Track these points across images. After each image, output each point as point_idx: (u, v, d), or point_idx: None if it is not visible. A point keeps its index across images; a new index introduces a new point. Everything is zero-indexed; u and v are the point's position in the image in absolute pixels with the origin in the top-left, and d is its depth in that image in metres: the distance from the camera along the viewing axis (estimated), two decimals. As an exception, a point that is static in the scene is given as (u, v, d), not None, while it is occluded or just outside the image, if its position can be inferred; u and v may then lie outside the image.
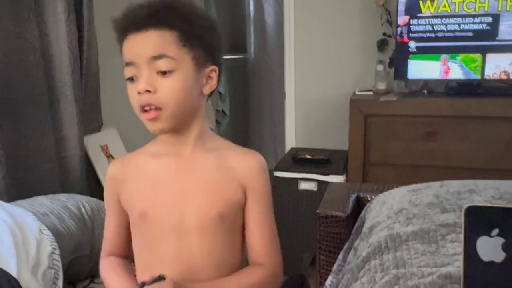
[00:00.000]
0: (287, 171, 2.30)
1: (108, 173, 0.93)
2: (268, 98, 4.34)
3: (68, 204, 1.57)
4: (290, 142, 2.78)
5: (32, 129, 1.91)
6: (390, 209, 1.03)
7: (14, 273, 1.14)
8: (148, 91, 0.78)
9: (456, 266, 0.71)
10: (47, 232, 1.34)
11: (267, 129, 4.41)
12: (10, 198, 1.67)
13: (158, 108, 0.79)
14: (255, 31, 4.28)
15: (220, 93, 2.85)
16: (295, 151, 2.58)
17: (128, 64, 0.80)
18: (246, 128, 4.37)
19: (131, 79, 0.81)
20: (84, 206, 1.60)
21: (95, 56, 2.22)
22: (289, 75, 2.71)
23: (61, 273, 1.29)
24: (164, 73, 0.79)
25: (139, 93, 0.79)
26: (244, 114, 4.33)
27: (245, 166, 0.89)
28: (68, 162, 2.11)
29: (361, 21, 2.51)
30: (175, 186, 0.86)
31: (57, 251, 1.31)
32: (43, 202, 1.56)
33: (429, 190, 1.06)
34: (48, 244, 1.30)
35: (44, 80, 1.95)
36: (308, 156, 2.42)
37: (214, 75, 0.86)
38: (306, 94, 2.70)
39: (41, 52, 1.94)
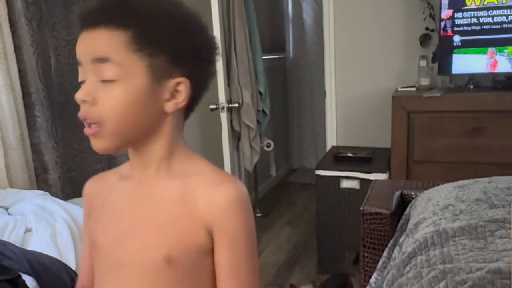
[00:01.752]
0: (329, 169, 2.30)
1: (84, 190, 0.81)
2: (308, 97, 4.34)
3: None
4: (331, 140, 2.77)
5: (83, 131, 2.02)
6: (436, 205, 1.02)
7: (73, 266, 1.22)
8: (84, 101, 0.64)
9: (506, 262, 0.70)
10: (101, 228, 1.41)
11: (308, 128, 4.41)
12: (65, 197, 1.77)
13: (97, 123, 0.64)
14: (294, 31, 4.30)
15: (260, 92, 2.88)
16: (336, 149, 2.57)
17: (79, 64, 0.66)
18: (286, 127, 4.39)
19: (82, 82, 0.66)
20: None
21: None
22: (329, 73, 2.70)
23: (114, 267, 1.36)
24: (104, 81, 0.64)
25: (79, 102, 0.65)
26: (284, 113, 4.35)
27: (213, 200, 0.68)
28: (118, 162, 2.21)
29: (402, 16, 2.47)
30: (127, 217, 0.72)
31: (110, 246, 1.38)
32: (96, 200, 1.65)
33: (476, 186, 1.04)
34: (102, 239, 1.37)
35: (94, 84, 2.06)
36: (349, 154, 2.41)
37: (184, 89, 0.68)
38: (346, 92, 2.69)
39: (91, 58, 2.05)
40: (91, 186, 0.80)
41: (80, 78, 0.66)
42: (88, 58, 0.64)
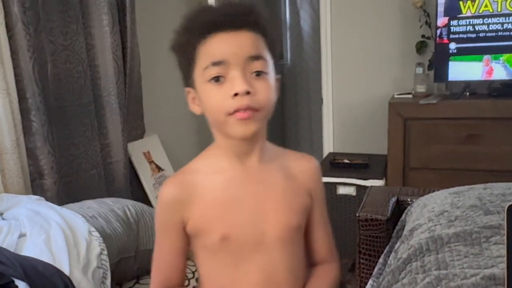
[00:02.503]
0: (325, 175, 2.29)
1: (164, 196, 0.82)
2: (305, 104, 4.35)
3: (114, 207, 1.65)
4: (328, 147, 2.78)
5: (79, 136, 2.01)
6: (431, 211, 1.02)
7: (66, 272, 1.21)
8: (248, 92, 0.72)
9: (501, 268, 0.70)
10: (96, 233, 1.41)
11: (305, 135, 4.41)
12: (60, 202, 1.76)
13: (255, 110, 0.73)
14: (292, 38, 4.31)
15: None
16: (333, 156, 2.57)
17: (217, 63, 0.72)
18: (283, 134, 4.39)
19: (216, 79, 0.73)
20: (129, 210, 1.66)
21: (137, 66, 2.31)
22: (326, 80, 2.71)
23: (109, 273, 1.35)
24: (258, 74, 0.74)
25: (235, 95, 0.72)
26: (281, 119, 4.36)
27: (308, 171, 0.88)
28: (113, 167, 2.20)
29: (399, 24, 2.49)
30: (250, 203, 0.80)
31: (105, 252, 1.37)
32: (91, 205, 1.64)
33: (471, 192, 1.04)
34: (97, 245, 1.36)
35: (90, 90, 2.06)
36: (346, 161, 2.41)
37: (277, 85, 0.82)
38: (343, 99, 2.69)
39: (88, 63, 2.05)
40: (172, 191, 0.81)
41: (217, 74, 0.73)
42: (243, 57, 0.73)
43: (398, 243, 1.04)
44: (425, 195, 1.20)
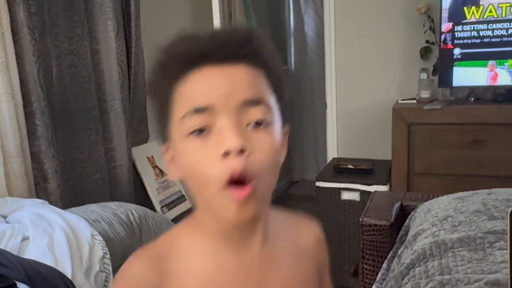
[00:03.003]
0: (329, 181, 2.29)
1: (129, 276, 0.58)
2: (309, 109, 4.35)
3: (117, 211, 1.65)
4: (332, 152, 2.77)
5: (84, 140, 2.02)
6: (435, 216, 1.01)
7: (69, 275, 1.21)
8: (243, 150, 0.50)
9: (505, 274, 0.69)
10: (99, 237, 1.41)
11: (309, 140, 4.41)
12: (64, 206, 1.77)
13: (252, 180, 0.50)
14: (296, 44, 4.33)
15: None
16: (337, 161, 2.56)
17: (199, 110, 0.51)
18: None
19: (198, 132, 0.52)
20: (132, 214, 1.66)
21: (142, 71, 2.32)
22: (330, 85, 2.71)
23: (111, 277, 1.35)
24: (258, 124, 0.52)
25: (225, 154, 0.49)
26: (285, 125, 4.34)
27: (315, 242, 0.70)
28: (117, 172, 2.21)
29: (403, 30, 2.49)
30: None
31: (108, 256, 1.37)
32: (95, 209, 1.64)
33: (475, 198, 1.03)
34: (100, 249, 1.36)
35: (95, 94, 2.07)
36: (350, 166, 2.40)
37: (287, 139, 0.60)
38: (347, 104, 2.69)
39: (93, 67, 2.06)
40: (145, 275, 0.56)
41: (200, 125, 0.51)
42: (236, 101, 0.51)
43: (401, 248, 1.03)
44: (429, 200, 1.20)
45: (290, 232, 0.66)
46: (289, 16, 4.31)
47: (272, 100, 0.55)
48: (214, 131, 0.51)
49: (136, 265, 0.57)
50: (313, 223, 0.71)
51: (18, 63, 1.70)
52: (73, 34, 1.95)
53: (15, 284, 1.07)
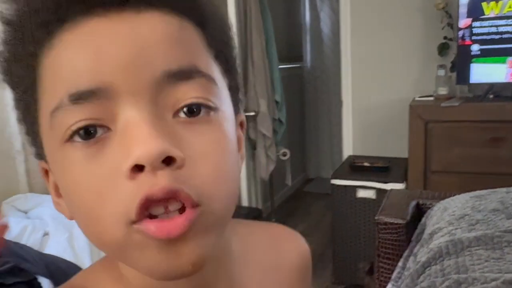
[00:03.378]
0: (345, 179, 2.29)
1: None
2: (325, 106, 4.34)
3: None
4: (348, 149, 2.76)
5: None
6: (452, 215, 1.01)
7: (88, 270, 1.24)
8: (170, 159, 0.29)
9: (523, 273, 0.69)
10: (116, 233, 1.44)
11: (324, 137, 4.40)
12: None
13: (193, 205, 0.30)
14: (311, 40, 4.31)
15: (276, 101, 2.89)
16: (352, 158, 2.55)
17: (82, 96, 0.30)
18: (302, 136, 4.39)
19: (84, 133, 0.30)
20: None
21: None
22: (346, 82, 2.70)
23: (129, 272, 1.38)
24: (193, 111, 0.32)
25: (135, 167, 0.29)
26: (301, 122, 4.35)
27: (301, 257, 0.51)
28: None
29: (420, 26, 2.46)
30: None
31: (125, 251, 1.40)
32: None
33: (493, 196, 1.02)
34: (117, 245, 1.39)
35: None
36: (366, 164, 2.39)
37: (241, 134, 0.41)
38: (363, 101, 2.68)
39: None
40: None
41: (91, 120, 0.30)
42: (151, 72, 0.30)
43: (417, 247, 1.03)
44: (445, 199, 1.19)
45: (266, 255, 0.48)
46: (305, 13, 4.30)
47: (215, 71, 0.34)
48: (115, 130, 0.30)
49: None
50: (296, 234, 0.52)
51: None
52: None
53: (36, 278, 1.10)
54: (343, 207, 2.30)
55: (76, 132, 0.30)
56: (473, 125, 1.98)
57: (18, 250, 1.20)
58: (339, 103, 2.81)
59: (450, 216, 1.01)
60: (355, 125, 2.72)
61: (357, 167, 2.38)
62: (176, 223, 0.29)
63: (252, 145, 2.77)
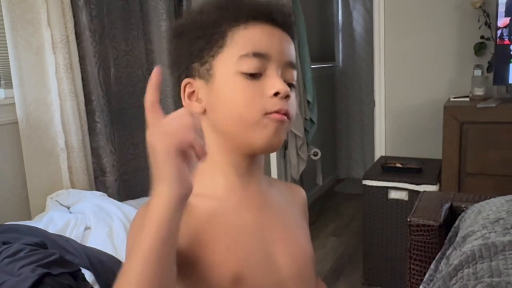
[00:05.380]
0: (376, 179, 2.28)
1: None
2: (357, 106, 4.30)
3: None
4: (380, 150, 2.74)
5: (138, 136, 2.13)
6: (486, 218, 1.00)
7: (127, 263, 1.30)
8: (288, 97, 0.62)
9: (558, 278, 0.68)
10: (153, 229, 1.49)
11: (356, 138, 4.37)
12: (120, 198, 1.87)
13: (289, 117, 0.63)
14: (344, 40, 4.29)
15: (308, 101, 2.90)
16: (384, 159, 2.54)
17: (259, 55, 0.61)
18: (334, 136, 4.37)
19: (253, 75, 0.61)
20: (183, 207, 1.74)
21: (192, 69, 2.41)
22: (379, 82, 2.68)
23: (164, 267, 1.43)
24: (290, 85, 0.64)
25: (276, 94, 0.61)
26: (332, 122, 4.33)
27: (302, 200, 0.79)
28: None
29: (456, 25, 2.42)
30: (258, 233, 0.65)
31: (161, 247, 1.45)
32: (149, 202, 1.73)
33: (530, 201, 1.01)
34: (154, 240, 1.44)
35: (149, 93, 2.17)
36: (398, 165, 2.37)
37: None
38: (396, 102, 2.65)
39: (147, 67, 2.16)
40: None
41: (256, 69, 0.61)
42: (285, 59, 0.64)
43: (450, 250, 1.03)
44: (480, 202, 1.18)
45: (278, 186, 0.77)
46: (337, 11, 4.27)
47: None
48: (264, 76, 0.62)
49: (144, 207, 0.57)
50: (301, 188, 0.83)
51: (80, 64, 1.81)
52: (129, 35, 2.05)
53: (80, 270, 1.16)
54: (374, 208, 2.29)
55: (250, 72, 0.61)
56: (510, 127, 1.94)
57: (63, 243, 1.27)
58: (372, 103, 2.79)
59: (484, 220, 1.01)
60: (388, 126, 2.70)
61: (389, 168, 2.36)
62: (284, 118, 0.62)
63: (283, 145, 2.80)
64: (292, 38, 0.67)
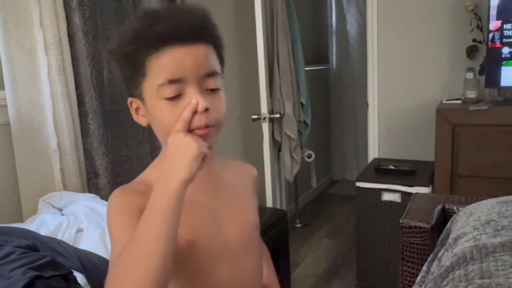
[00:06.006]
0: (370, 181, 2.28)
1: (121, 201, 0.71)
2: (351, 109, 4.32)
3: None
4: (373, 152, 2.75)
5: (131, 138, 2.12)
6: (477, 220, 1.01)
7: (119, 266, 1.29)
8: (207, 110, 0.69)
9: (547, 280, 0.69)
10: (146, 231, 1.48)
11: (349, 140, 4.38)
12: (113, 200, 1.86)
13: (214, 125, 0.72)
14: (337, 42, 4.31)
15: (302, 103, 2.91)
16: (378, 161, 2.55)
17: (174, 81, 0.68)
18: (328, 139, 4.38)
19: (173, 97, 0.69)
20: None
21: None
22: (372, 85, 2.69)
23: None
24: (213, 90, 0.72)
25: (195, 112, 0.69)
26: (326, 124, 4.35)
27: (252, 177, 0.91)
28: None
29: (448, 28, 2.44)
30: (210, 207, 0.79)
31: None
32: (142, 204, 1.72)
33: (520, 202, 1.02)
34: (147, 242, 1.44)
35: (142, 94, 2.16)
36: (391, 167, 2.38)
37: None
38: (389, 104, 2.66)
39: (141, 69, 2.16)
40: (132, 199, 0.70)
41: (175, 92, 0.69)
42: (199, 74, 0.70)
43: (442, 251, 1.03)
44: (471, 204, 1.18)
45: (231, 166, 0.88)
46: (331, 14, 4.29)
47: (220, 70, 0.75)
48: (184, 95, 0.69)
49: (122, 194, 0.71)
50: (251, 166, 0.93)
51: (73, 66, 1.80)
52: (123, 37, 2.05)
53: (72, 272, 1.15)
54: (367, 210, 2.30)
55: (169, 98, 0.69)
56: (502, 129, 1.95)
57: (54, 245, 1.26)
58: (365, 105, 2.81)
59: (475, 221, 1.01)
60: (381, 128, 2.71)
61: (382, 170, 2.37)
62: (205, 131, 0.70)
63: (277, 147, 2.80)
64: (209, 41, 0.73)
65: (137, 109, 0.75)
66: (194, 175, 0.65)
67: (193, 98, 0.68)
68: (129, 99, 0.75)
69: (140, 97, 0.72)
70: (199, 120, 0.69)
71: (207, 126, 0.70)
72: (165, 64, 0.68)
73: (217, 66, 0.73)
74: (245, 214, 0.83)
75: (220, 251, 0.77)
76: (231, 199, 0.83)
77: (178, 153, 0.65)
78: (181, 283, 0.74)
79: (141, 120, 0.76)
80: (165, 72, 0.68)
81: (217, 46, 0.75)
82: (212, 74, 0.71)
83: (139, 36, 0.69)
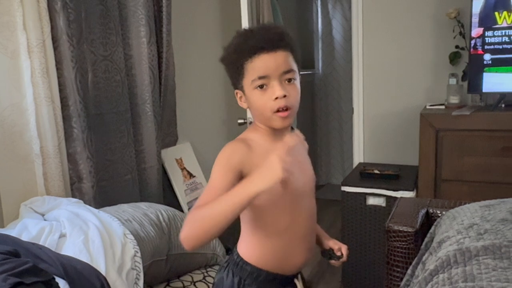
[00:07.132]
0: (355, 186, 2.30)
1: (232, 147, 1.03)
2: (336, 113, 4.35)
3: (147, 212, 1.70)
4: (358, 157, 2.77)
5: (116, 142, 2.10)
6: (461, 224, 1.02)
7: (103, 271, 1.27)
8: (285, 96, 0.99)
9: (529, 282, 0.70)
10: (130, 236, 1.47)
11: (335, 144, 4.41)
12: (97, 205, 1.84)
13: (289, 108, 1.01)
14: (323, 47, 4.34)
15: (288, 108, 2.92)
16: (363, 166, 2.57)
17: (262, 77, 1.00)
18: (313, 143, 4.40)
19: (261, 87, 1.01)
20: (161, 214, 1.72)
21: (172, 75, 2.39)
22: (357, 90, 2.72)
23: (142, 275, 1.40)
24: (290, 80, 1.02)
25: (276, 98, 0.99)
26: (312, 129, 4.36)
27: (304, 140, 1.10)
28: (147, 173, 2.27)
29: (432, 34, 2.47)
30: (294, 163, 0.98)
31: (139, 254, 1.43)
32: (126, 209, 1.70)
33: (503, 206, 1.03)
34: (131, 247, 1.42)
35: (127, 98, 2.14)
36: (376, 171, 2.40)
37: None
38: (374, 109, 2.69)
39: (126, 72, 2.14)
40: (242, 147, 1.03)
41: (263, 83, 1.00)
42: (279, 72, 1.00)
43: (426, 255, 1.04)
44: (455, 208, 1.20)
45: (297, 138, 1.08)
46: (317, 20, 4.32)
47: (295, 67, 1.04)
48: (269, 87, 1.01)
49: (234, 143, 1.04)
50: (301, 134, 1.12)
51: (57, 69, 1.78)
52: (108, 40, 2.03)
53: (54, 279, 1.13)
54: (353, 214, 2.31)
55: (259, 86, 1.01)
56: (484, 134, 1.99)
57: (36, 251, 1.23)
58: (350, 110, 2.83)
59: (458, 225, 1.02)
60: (366, 133, 2.73)
61: (367, 174, 2.39)
62: (285, 113, 1.02)
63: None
64: (286, 48, 1.02)
65: (240, 97, 1.07)
66: (270, 190, 0.88)
67: (275, 88, 1.00)
68: (236, 91, 1.08)
69: (242, 89, 1.05)
70: (279, 103, 1.00)
71: (286, 109, 1.00)
72: (256, 66, 1.00)
73: (293, 65, 1.03)
74: (310, 169, 1.17)
75: (301, 192, 1.10)
76: (303, 160, 1.16)
77: (269, 170, 0.87)
78: (275, 213, 1.07)
79: (243, 105, 1.08)
80: (256, 71, 1.00)
81: (294, 51, 1.04)
82: (288, 71, 1.01)
83: (239, 48, 1.02)
